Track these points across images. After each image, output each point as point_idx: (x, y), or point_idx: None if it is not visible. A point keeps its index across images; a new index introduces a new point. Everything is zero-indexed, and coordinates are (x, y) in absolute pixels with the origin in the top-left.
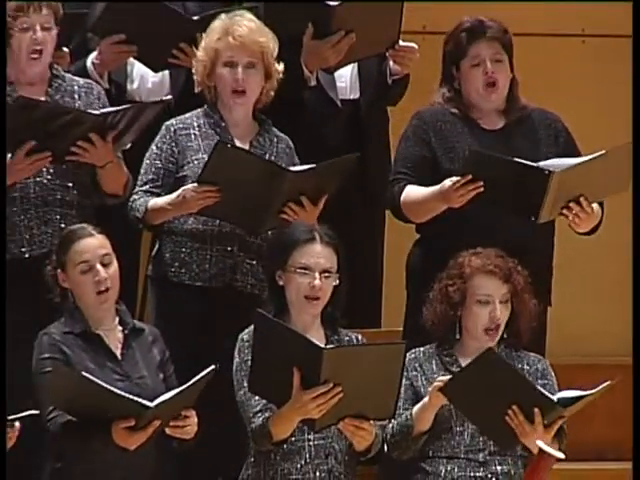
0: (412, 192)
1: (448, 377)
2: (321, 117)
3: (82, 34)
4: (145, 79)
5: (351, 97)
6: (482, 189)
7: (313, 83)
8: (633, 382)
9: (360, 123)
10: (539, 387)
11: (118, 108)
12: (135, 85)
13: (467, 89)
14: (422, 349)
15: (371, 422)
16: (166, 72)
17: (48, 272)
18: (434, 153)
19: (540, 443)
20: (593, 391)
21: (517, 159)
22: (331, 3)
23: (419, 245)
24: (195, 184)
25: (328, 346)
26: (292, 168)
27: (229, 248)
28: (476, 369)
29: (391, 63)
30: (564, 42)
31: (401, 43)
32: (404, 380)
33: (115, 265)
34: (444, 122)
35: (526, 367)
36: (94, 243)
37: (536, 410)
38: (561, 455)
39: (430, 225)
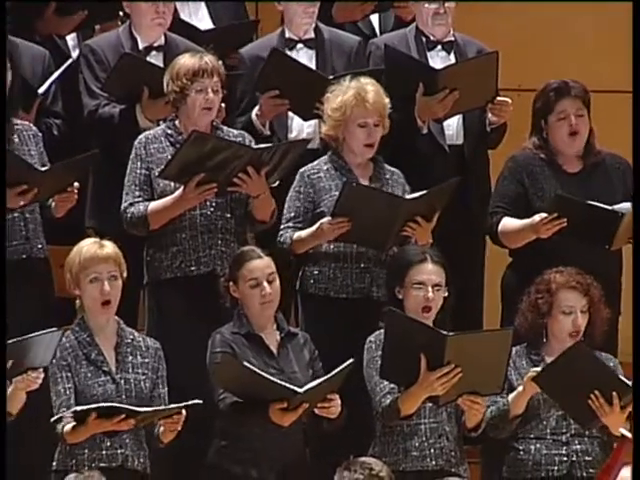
0: (507, 223)
1: (540, 368)
2: (432, 160)
3: (251, 92)
4: (301, 130)
5: (457, 143)
6: (565, 224)
7: (425, 131)
8: (633, 380)
9: (464, 164)
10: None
11: (271, 145)
12: (293, 135)
13: (554, 138)
14: (515, 349)
15: (484, 398)
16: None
17: (222, 283)
18: (526, 191)
19: (622, 430)
20: None
21: (594, 203)
22: (437, 67)
23: (512, 267)
24: (330, 217)
25: (450, 333)
26: (408, 196)
27: (367, 265)
28: (566, 360)
29: (489, 114)
30: None
31: (498, 98)
32: None
33: (277, 282)
34: (534, 166)
35: None
36: (262, 264)
37: (614, 394)
38: None
39: (521, 251)
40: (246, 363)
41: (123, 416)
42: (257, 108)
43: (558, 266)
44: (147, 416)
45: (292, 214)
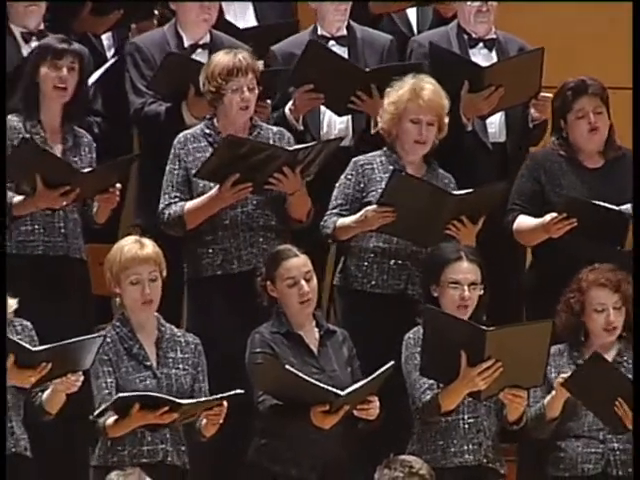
0: (522, 222)
1: (568, 374)
2: (475, 157)
3: (285, 88)
4: (333, 126)
5: (499, 140)
6: (576, 224)
7: (469, 129)
8: (633, 379)
9: (507, 162)
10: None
11: (306, 145)
12: (324, 131)
13: (574, 136)
14: (554, 347)
15: (525, 391)
16: (349, 118)
17: (259, 282)
18: (543, 188)
19: None
20: None
21: (602, 203)
22: (483, 64)
23: (532, 267)
24: (375, 205)
25: (489, 328)
26: (454, 192)
27: (404, 262)
28: (586, 369)
29: (532, 110)
30: None
31: (541, 94)
32: None
33: (315, 280)
34: (552, 162)
35: None
36: (299, 262)
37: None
38: None
39: (540, 250)
40: (288, 366)
41: (167, 408)
42: (291, 103)
43: (581, 265)
44: (190, 408)
45: (339, 201)
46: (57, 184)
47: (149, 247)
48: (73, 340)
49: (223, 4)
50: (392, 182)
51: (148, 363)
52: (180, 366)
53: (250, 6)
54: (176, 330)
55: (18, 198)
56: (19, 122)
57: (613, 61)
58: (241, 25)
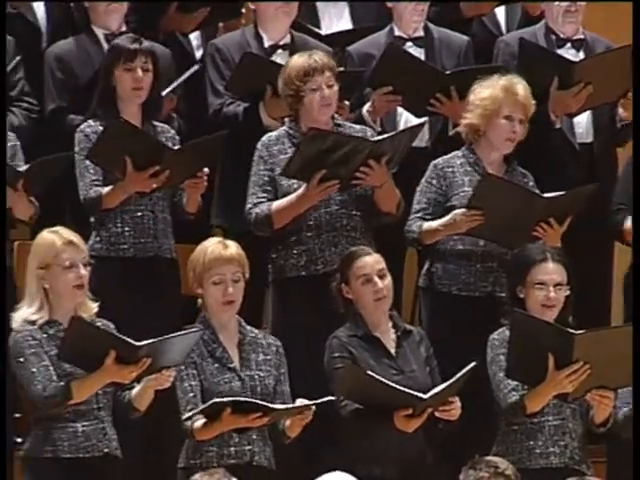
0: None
1: None
2: (562, 158)
3: (361, 88)
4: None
5: (586, 141)
6: None
7: (558, 126)
8: (633, 380)
9: (594, 163)
10: None
11: (388, 135)
12: None
13: None
14: None
15: (612, 392)
16: (425, 118)
17: (334, 287)
18: None
19: None
20: None
21: None
22: (573, 60)
23: (634, 264)
24: (464, 209)
25: (578, 332)
26: (544, 195)
27: (491, 265)
28: None
29: (620, 110)
30: None
31: (631, 93)
32: None
33: (389, 278)
34: None
35: None
36: (372, 260)
37: None
38: None
39: None
40: (370, 372)
41: (259, 413)
42: (369, 104)
43: None
44: (281, 413)
45: (422, 205)
46: (147, 166)
47: (233, 248)
48: (173, 335)
49: (319, 8)
50: (481, 185)
51: (232, 365)
52: (263, 367)
53: (346, 9)
54: (257, 332)
55: (107, 188)
56: (100, 126)
57: None
58: (335, 28)
